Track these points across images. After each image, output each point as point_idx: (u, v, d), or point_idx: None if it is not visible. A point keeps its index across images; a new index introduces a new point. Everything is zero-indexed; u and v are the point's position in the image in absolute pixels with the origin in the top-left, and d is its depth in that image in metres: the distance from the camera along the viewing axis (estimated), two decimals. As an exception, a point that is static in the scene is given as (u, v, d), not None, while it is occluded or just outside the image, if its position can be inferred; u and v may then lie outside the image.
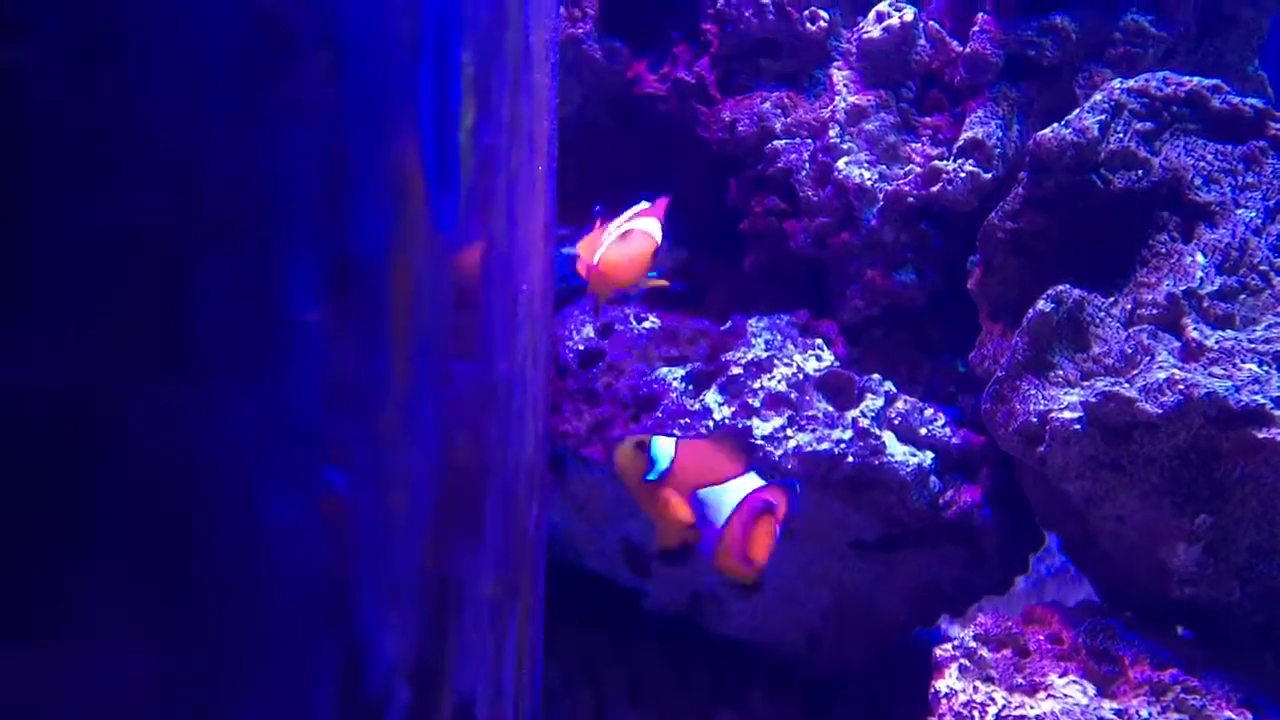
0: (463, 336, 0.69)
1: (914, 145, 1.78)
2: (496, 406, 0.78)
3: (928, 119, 1.80)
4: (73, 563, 0.50)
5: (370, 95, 0.54)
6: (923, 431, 1.67)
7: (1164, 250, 1.50)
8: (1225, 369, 1.34)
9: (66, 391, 0.48)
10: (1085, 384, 1.42)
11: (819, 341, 1.75)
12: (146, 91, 0.49)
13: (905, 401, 1.69)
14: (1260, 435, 1.31)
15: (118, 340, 0.49)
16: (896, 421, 1.67)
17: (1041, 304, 1.46)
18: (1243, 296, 1.42)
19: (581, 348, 1.79)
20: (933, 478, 1.65)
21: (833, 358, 1.71)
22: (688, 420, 1.66)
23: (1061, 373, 1.44)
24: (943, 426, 1.69)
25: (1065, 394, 1.41)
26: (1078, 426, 1.37)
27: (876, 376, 1.69)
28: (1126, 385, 1.36)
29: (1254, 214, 1.47)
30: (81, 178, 0.48)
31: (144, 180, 0.49)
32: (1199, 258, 1.44)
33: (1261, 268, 1.44)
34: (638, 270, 1.41)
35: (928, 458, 1.65)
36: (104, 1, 0.48)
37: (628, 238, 1.40)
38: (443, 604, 0.67)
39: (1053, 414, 1.40)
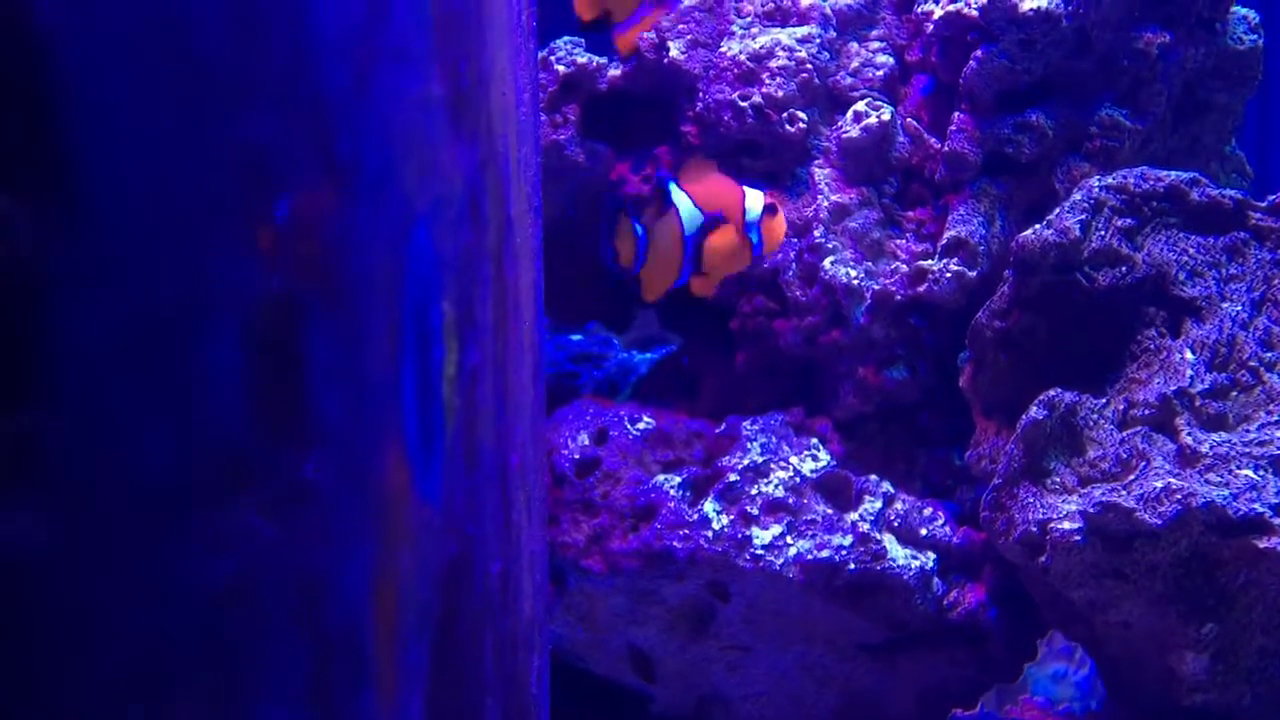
0: (453, 586, 0.68)
1: (899, 241, 1.79)
2: (491, 614, 0.77)
3: (911, 213, 1.80)
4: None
5: (352, 451, 0.53)
6: (923, 532, 1.67)
7: (1153, 346, 1.50)
8: (1221, 475, 1.34)
9: None
10: (1083, 491, 1.41)
11: (814, 441, 1.75)
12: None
13: (903, 502, 1.68)
14: (1261, 545, 1.30)
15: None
16: (896, 523, 1.66)
17: (1034, 411, 1.46)
18: (1234, 394, 1.43)
19: (577, 456, 1.79)
20: (936, 579, 1.65)
21: (828, 457, 1.71)
22: (687, 531, 1.66)
23: (1058, 479, 1.44)
24: (943, 525, 1.68)
25: (1064, 502, 1.41)
26: (1078, 538, 1.37)
27: (874, 477, 1.69)
28: (1124, 493, 1.36)
29: (1240, 307, 1.48)
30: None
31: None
32: (1188, 355, 1.45)
33: (1251, 364, 1.44)
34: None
35: (930, 559, 1.64)
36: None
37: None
38: None
39: (1052, 524, 1.39)
